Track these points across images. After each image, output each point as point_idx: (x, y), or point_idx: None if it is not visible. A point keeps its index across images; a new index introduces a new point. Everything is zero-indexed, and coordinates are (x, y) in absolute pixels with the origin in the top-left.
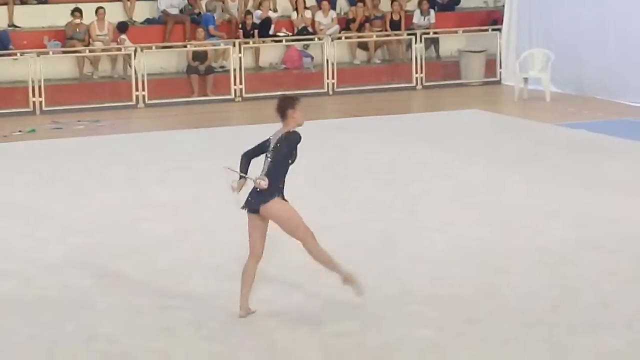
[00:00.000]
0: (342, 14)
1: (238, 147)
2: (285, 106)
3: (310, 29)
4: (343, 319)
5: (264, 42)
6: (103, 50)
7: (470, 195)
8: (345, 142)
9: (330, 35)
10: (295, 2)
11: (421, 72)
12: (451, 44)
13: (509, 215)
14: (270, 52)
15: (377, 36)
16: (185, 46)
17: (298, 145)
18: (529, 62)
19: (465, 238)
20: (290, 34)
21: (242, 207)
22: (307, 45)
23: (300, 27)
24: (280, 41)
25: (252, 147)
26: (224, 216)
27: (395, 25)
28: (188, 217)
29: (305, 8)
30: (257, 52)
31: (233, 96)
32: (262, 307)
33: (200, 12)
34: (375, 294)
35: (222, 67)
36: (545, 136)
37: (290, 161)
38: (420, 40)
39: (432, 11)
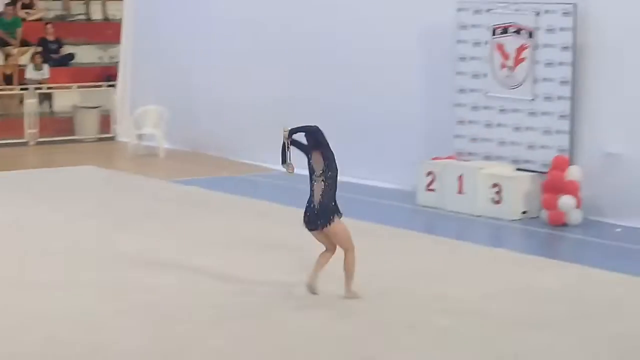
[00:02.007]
0: None
1: None
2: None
3: None
4: None
5: None
6: None
7: (84, 254)
8: None
9: None
10: None
11: (34, 128)
12: (66, 99)
13: (121, 272)
14: None
15: None
16: None
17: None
18: (143, 119)
19: (78, 296)
20: None
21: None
22: None
23: None
24: None
25: None
26: None
27: (7, 80)
28: None
29: None
30: None
31: None
32: None
33: None
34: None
35: None
36: (159, 192)
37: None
38: (34, 96)
39: (45, 66)
